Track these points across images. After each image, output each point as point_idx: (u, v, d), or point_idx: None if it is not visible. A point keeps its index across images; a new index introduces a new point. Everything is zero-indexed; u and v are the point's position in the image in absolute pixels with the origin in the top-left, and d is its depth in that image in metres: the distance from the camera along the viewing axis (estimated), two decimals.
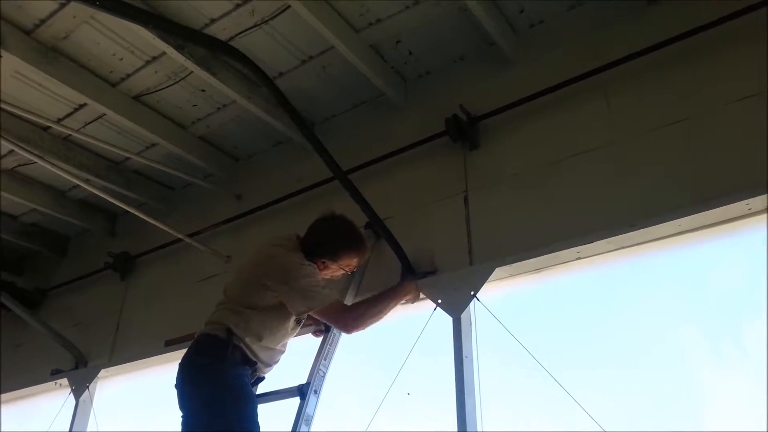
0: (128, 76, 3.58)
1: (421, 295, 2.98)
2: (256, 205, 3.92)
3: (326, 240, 2.81)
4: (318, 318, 2.77)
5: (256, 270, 2.74)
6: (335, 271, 2.85)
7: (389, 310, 2.80)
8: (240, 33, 3.29)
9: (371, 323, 2.74)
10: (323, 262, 2.78)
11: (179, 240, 4.10)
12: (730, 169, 2.46)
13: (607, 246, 2.63)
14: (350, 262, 2.86)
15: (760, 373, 2.16)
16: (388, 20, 3.23)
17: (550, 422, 2.49)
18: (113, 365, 4.04)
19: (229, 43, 3.28)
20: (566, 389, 2.41)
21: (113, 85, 3.62)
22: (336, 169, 2.95)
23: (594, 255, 2.68)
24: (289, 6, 3.07)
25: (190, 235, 3.98)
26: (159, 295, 4.23)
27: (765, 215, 2.37)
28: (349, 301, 3.10)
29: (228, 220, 4.01)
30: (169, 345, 3.74)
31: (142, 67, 3.51)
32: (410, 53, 3.45)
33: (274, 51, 3.40)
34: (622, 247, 2.62)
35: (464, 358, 2.69)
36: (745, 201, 2.36)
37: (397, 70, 3.57)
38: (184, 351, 2.70)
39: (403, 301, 2.93)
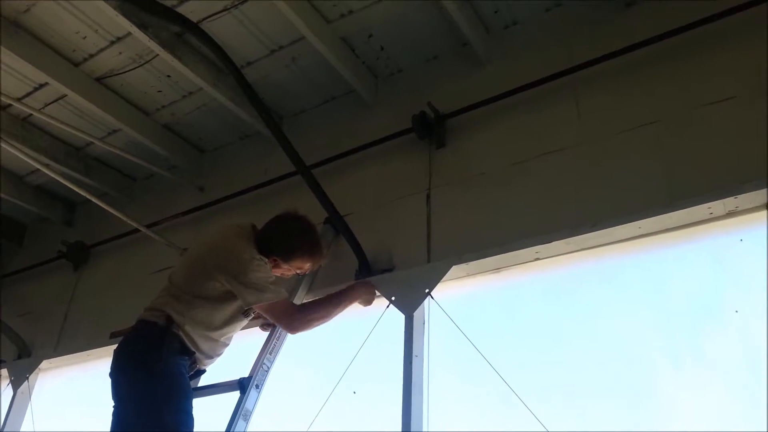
0: (91, 56, 3.48)
1: (378, 294, 2.89)
2: (218, 197, 3.81)
3: (282, 239, 2.69)
4: (263, 314, 2.66)
5: (206, 256, 2.62)
6: (286, 270, 2.74)
7: (338, 313, 2.70)
8: (208, 17, 3.20)
9: (317, 325, 2.66)
10: (275, 260, 2.67)
11: (136, 231, 3.98)
12: (694, 172, 2.41)
13: (566, 247, 2.56)
14: (303, 266, 2.75)
15: (719, 378, 2.09)
16: (360, 12, 3.18)
17: (498, 424, 2.38)
18: (57, 356, 3.87)
19: None
20: (514, 390, 2.32)
21: (76, 64, 3.52)
22: (298, 163, 2.88)
23: (553, 256, 2.60)
24: None
25: (149, 226, 3.85)
26: (111, 287, 4.08)
27: (725, 220, 2.31)
28: (299, 298, 2.99)
29: (189, 212, 3.90)
30: (115, 336, 3.57)
31: (106, 47, 3.41)
32: (382, 49, 3.40)
33: (243, 38, 3.33)
34: (582, 249, 2.55)
35: (414, 356, 2.59)
36: (707, 205, 2.30)
37: (369, 65, 3.51)
38: None
39: (358, 304, 2.82)
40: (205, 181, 4.08)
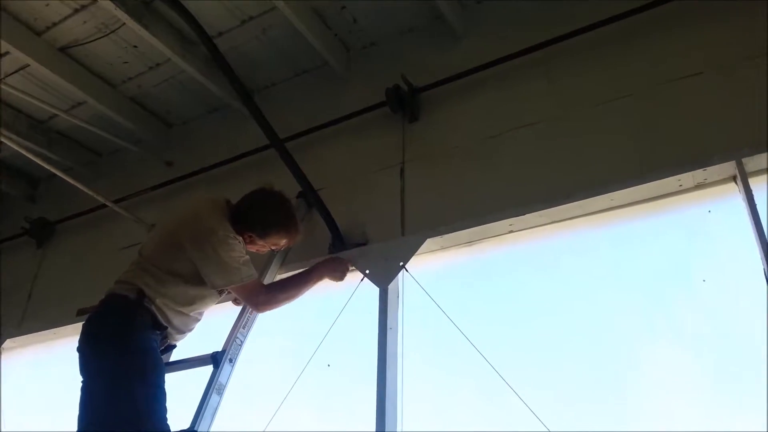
0: (54, 24, 3.36)
1: (351, 268, 2.88)
2: (187, 172, 3.74)
3: (258, 215, 2.64)
4: (232, 292, 2.64)
5: (179, 231, 2.56)
6: (261, 247, 2.71)
7: (306, 291, 2.69)
8: None
9: (285, 304, 2.65)
10: (250, 236, 2.63)
11: (102, 207, 3.89)
12: (664, 146, 2.45)
13: (540, 219, 2.58)
14: (278, 242, 2.71)
15: (688, 343, 2.16)
16: None
17: (472, 394, 2.41)
18: (21, 335, 3.78)
19: None
20: (488, 360, 2.34)
21: (38, 33, 3.39)
22: (272, 136, 2.84)
23: (526, 228, 2.63)
24: None
25: (116, 202, 3.76)
26: (78, 264, 3.99)
27: (694, 192, 2.36)
28: (272, 273, 2.96)
29: (157, 187, 3.82)
30: (82, 314, 3.50)
31: (70, 15, 3.29)
32: (355, 21, 3.36)
33: (213, 8, 3.25)
34: (556, 221, 2.57)
35: (389, 329, 2.59)
36: (677, 177, 2.34)
37: (341, 38, 3.47)
38: None
39: (329, 280, 2.80)
40: (173, 156, 4.00)
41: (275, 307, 2.65)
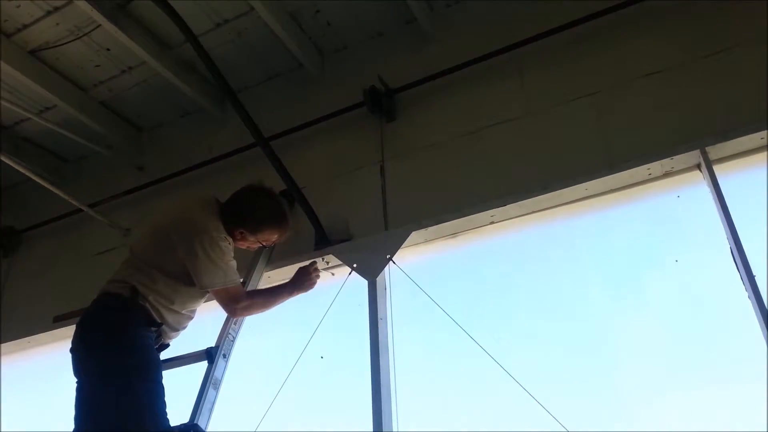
0: (25, 26, 3.31)
1: (331, 263, 2.97)
2: (159, 176, 3.74)
3: (251, 212, 2.68)
4: (213, 295, 2.63)
5: (171, 230, 2.58)
6: (252, 243, 2.75)
7: (278, 304, 2.72)
8: None
9: (258, 312, 2.69)
10: (241, 233, 2.67)
11: (72, 213, 3.87)
12: (633, 138, 2.62)
13: (519, 210, 2.71)
14: (270, 238, 2.76)
15: (660, 318, 2.33)
16: None
17: (464, 377, 2.52)
18: None
19: None
20: (477, 341, 2.45)
21: (8, 35, 3.34)
22: (257, 134, 2.87)
23: (507, 219, 2.76)
24: None
25: (89, 207, 3.73)
26: (49, 271, 3.92)
27: (663, 180, 2.54)
28: (259, 271, 3.00)
29: (129, 191, 3.80)
30: (60, 320, 3.46)
31: (43, 17, 3.26)
32: (329, 24, 3.44)
33: (188, 10, 3.24)
34: (534, 211, 2.71)
35: (379, 319, 2.68)
36: (646, 166, 2.51)
37: (315, 41, 3.54)
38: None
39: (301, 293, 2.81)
40: (144, 160, 3.99)
41: (251, 314, 2.69)
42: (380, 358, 2.58)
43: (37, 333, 3.54)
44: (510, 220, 2.76)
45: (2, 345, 3.62)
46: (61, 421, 2.58)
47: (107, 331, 2.42)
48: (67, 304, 3.55)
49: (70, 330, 3.30)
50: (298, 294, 2.78)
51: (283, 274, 2.98)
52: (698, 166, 2.48)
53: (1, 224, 4.19)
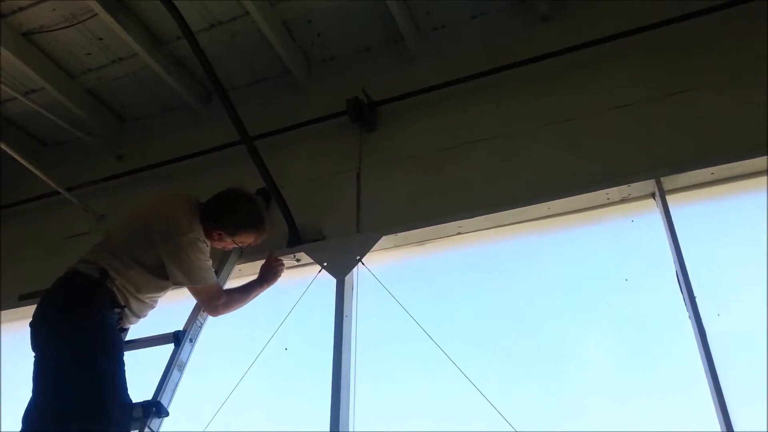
0: (21, 9, 3.38)
1: (300, 261, 3.09)
2: (138, 166, 3.81)
3: (229, 214, 2.77)
4: (191, 293, 2.73)
5: (151, 225, 2.65)
6: (229, 244, 2.84)
7: (252, 299, 2.84)
8: None
9: (235, 309, 2.79)
10: (219, 234, 2.76)
11: (47, 195, 3.91)
12: (596, 164, 2.81)
13: (486, 223, 2.87)
14: (246, 240, 2.86)
15: (612, 332, 2.51)
16: None
17: (421, 375, 2.64)
18: None
19: None
20: (437, 342, 2.58)
21: (3, 15, 3.40)
22: (242, 132, 2.97)
23: (474, 231, 2.90)
24: None
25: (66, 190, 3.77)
26: (18, 252, 3.93)
27: (620, 205, 2.73)
28: (230, 264, 3.09)
29: (107, 179, 3.86)
30: (25, 299, 3.48)
31: (40, 2, 3.33)
32: (319, 35, 3.59)
33: (183, 8, 3.33)
34: (500, 225, 2.87)
35: (344, 317, 2.79)
36: (606, 191, 2.70)
37: (304, 50, 3.68)
38: None
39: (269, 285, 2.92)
40: (124, 150, 4.06)
41: (228, 311, 2.77)
42: (342, 354, 2.69)
43: (2, 310, 3.54)
44: (476, 232, 2.91)
45: None
46: (19, 396, 2.62)
47: (73, 307, 2.48)
48: (34, 283, 3.56)
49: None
50: (267, 287, 2.88)
51: (255, 268, 3.05)
52: (653, 195, 2.67)
53: None
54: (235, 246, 2.89)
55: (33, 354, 2.48)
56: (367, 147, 3.36)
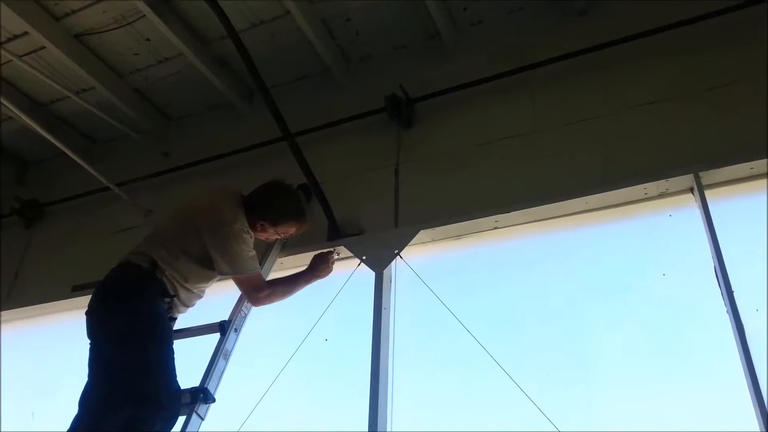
0: (73, 12, 3.52)
1: (339, 255, 3.14)
2: (184, 163, 3.94)
3: (273, 205, 2.87)
4: (235, 283, 2.82)
5: (199, 217, 2.77)
6: (271, 234, 2.93)
7: (297, 291, 2.91)
8: None
9: (278, 300, 2.86)
10: (262, 224, 2.86)
11: (94, 192, 4.06)
12: (633, 159, 2.82)
13: (522, 218, 2.91)
14: (288, 230, 2.95)
15: (646, 327, 2.52)
16: None
17: (459, 367, 2.70)
18: (7, 309, 3.86)
19: None
20: (475, 336, 2.63)
21: (57, 18, 3.56)
22: (284, 129, 3.05)
23: (510, 225, 2.94)
24: None
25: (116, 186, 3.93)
26: (69, 245, 4.10)
27: (658, 200, 2.73)
28: (273, 257, 3.18)
29: (154, 175, 4.00)
30: (78, 289, 3.63)
31: (91, 4, 3.47)
32: (357, 33, 3.66)
33: (227, 10, 3.45)
34: (537, 220, 2.90)
35: (383, 309, 2.86)
36: (643, 185, 2.71)
37: (342, 48, 3.76)
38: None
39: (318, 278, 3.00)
40: (170, 147, 4.20)
41: (271, 302, 2.84)
42: (381, 345, 2.76)
43: (55, 300, 3.71)
44: (513, 227, 2.95)
45: (20, 309, 3.80)
46: (75, 381, 2.76)
47: (125, 296, 2.60)
48: (85, 276, 3.72)
49: (87, 300, 3.54)
50: (315, 281, 2.96)
51: (296, 261, 3.17)
52: (691, 190, 2.67)
53: (26, 197, 4.36)
54: (278, 236, 2.99)
55: (88, 341, 2.60)
56: (405, 143, 3.42)
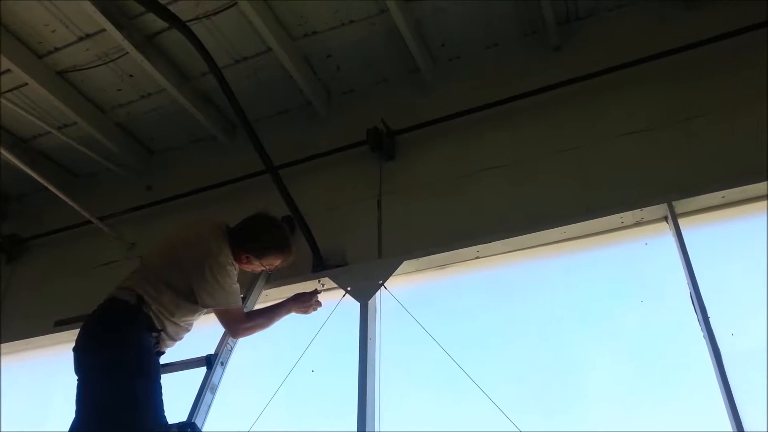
0: (56, 49, 3.57)
1: (324, 286, 3.20)
2: (167, 196, 3.96)
3: (258, 238, 2.90)
4: (216, 315, 2.83)
5: (182, 250, 2.79)
6: (256, 267, 2.96)
7: (275, 322, 2.94)
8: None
9: (257, 332, 2.89)
10: (247, 257, 2.88)
11: (77, 225, 4.06)
12: (609, 189, 2.91)
13: (503, 247, 2.98)
14: (273, 263, 2.98)
15: (626, 351, 2.59)
16: (323, 34, 3.53)
17: (442, 396, 2.74)
18: None
19: (164, 32, 3.44)
20: (459, 364, 2.67)
21: (40, 56, 3.60)
22: (267, 162, 3.11)
23: (492, 255, 3.01)
24: (235, 4, 3.28)
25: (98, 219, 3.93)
26: (50, 280, 4.09)
27: (633, 228, 2.82)
28: (258, 289, 3.21)
29: (137, 208, 4.01)
30: (61, 325, 3.62)
31: (74, 42, 3.52)
32: (338, 69, 3.74)
33: (210, 47, 3.52)
34: (517, 249, 2.97)
35: (369, 339, 2.90)
36: (619, 215, 2.80)
37: (324, 83, 3.84)
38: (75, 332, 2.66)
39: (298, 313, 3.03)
40: (153, 180, 4.22)
41: (250, 333, 2.87)
42: (367, 374, 2.79)
43: (37, 336, 3.69)
44: (494, 256, 3.02)
45: (2, 345, 3.76)
46: (59, 416, 2.75)
47: (112, 331, 2.60)
48: (67, 311, 3.71)
49: (69, 335, 3.52)
50: (294, 312, 2.99)
51: (281, 293, 3.20)
52: (665, 218, 2.76)
53: (7, 232, 4.34)
54: (263, 269, 3.01)
55: (76, 377, 2.58)
56: (387, 175, 3.49)
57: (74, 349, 2.64)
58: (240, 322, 2.82)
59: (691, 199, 2.70)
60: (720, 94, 2.90)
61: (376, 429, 2.72)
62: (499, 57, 3.56)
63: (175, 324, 2.76)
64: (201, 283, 2.70)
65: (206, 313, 2.88)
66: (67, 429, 2.44)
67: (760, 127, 2.70)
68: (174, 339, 2.81)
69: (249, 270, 3.00)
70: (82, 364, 2.59)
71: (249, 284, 3.17)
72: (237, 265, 2.87)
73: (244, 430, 2.76)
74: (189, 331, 2.88)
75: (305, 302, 3.02)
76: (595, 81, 3.16)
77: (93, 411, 2.47)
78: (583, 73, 3.18)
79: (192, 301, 2.75)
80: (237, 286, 2.82)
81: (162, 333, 2.71)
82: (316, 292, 3.08)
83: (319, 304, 3.07)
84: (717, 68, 2.98)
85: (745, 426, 2.21)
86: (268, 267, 3.00)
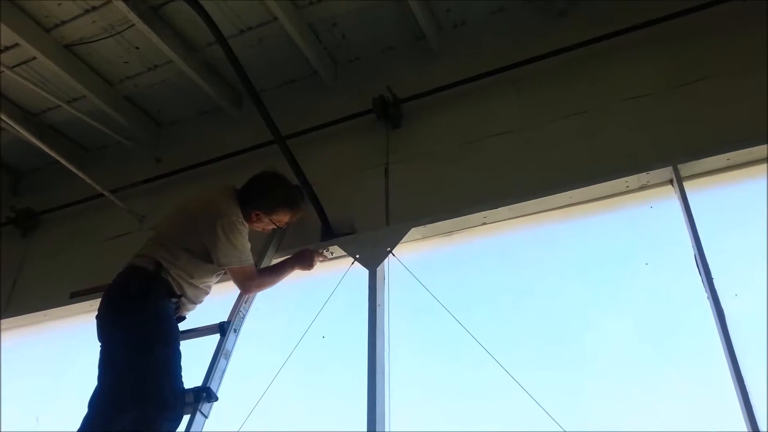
0: (63, 23, 3.58)
1: (333, 254, 3.23)
2: (176, 168, 4.00)
3: (266, 193, 2.98)
4: (228, 273, 2.91)
5: (194, 213, 2.87)
6: (267, 224, 3.03)
7: (283, 278, 3.02)
8: None
9: (266, 288, 2.99)
10: (257, 214, 2.96)
11: (89, 199, 4.11)
12: (614, 153, 2.92)
13: (509, 213, 3.00)
14: (283, 218, 3.06)
15: (631, 314, 2.62)
16: (328, 2, 3.52)
17: (452, 359, 2.79)
18: (9, 317, 3.91)
19: (170, 2, 3.44)
20: (467, 329, 2.72)
21: (47, 30, 3.61)
22: (275, 131, 3.13)
23: (498, 221, 3.04)
24: None
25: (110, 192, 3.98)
26: (64, 253, 4.15)
27: (639, 192, 2.83)
28: (269, 256, 3.26)
29: (147, 180, 4.05)
30: (76, 296, 3.69)
31: (80, 15, 3.53)
32: (344, 37, 3.74)
33: (216, 15, 3.51)
34: (523, 215, 3.00)
35: (377, 306, 2.94)
36: (625, 179, 2.81)
37: (330, 52, 3.83)
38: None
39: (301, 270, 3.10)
40: (162, 153, 4.25)
41: (262, 290, 2.98)
42: (376, 341, 2.84)
43: (53, 307, 3.77)
44: (501, 222, 3.04)
45: (19, 317, 3.85)
46: (76, 386, 2.84)
47: (133, 299, 2.67)
48: (81, 283, 3.79)
49: (84, 306, 3.61)
50: (298, 269, 3.06)
51: None
52: (671, 182, 2.77)
53: (20, 206, 4.41)
54: (273, 226, 3.08)
55: (99, 344, 2.68)
56: (394, 143, 3.51)
57: (97, 317, 2.73)
58: (252, 278, 2.90)
59: (696, 161, 2.70)
60: (725, 56, 2.89)
61: (386, 394, 2.78)
62: (505, 23, 3.53)
63: (195, 287, 2.84)
64: (215, 244, 2.77)
65: (223, 272, 2.94)
66: (90, 394, 2.52)
67: (765, 89, 2.68)
68: (194, 302, 2.89)
69: (260, 229, 3.06)
70: (104, 332, 2.69)
71: (260, 251, 3.22)
72: (247, 225, 2.93)
73: (257, 395, 2.83)
74: (208, 293, 2.95)
75: (307, 259, 3.08)
76: (600, 46, 3.14)
77: (113, 377, 2.57)
78: (588, 38, 3.16)
79: (209, 261, 2.82)
80: (248, 244, 2.88)
81: (182, 298, 2.78)
82: (317, 252, 3.14)
83: (320, 255, 3.14)
84: (722, 31, 2.95)
85: (749, 387, 2.24)
86: (278, 224, 3.07)
